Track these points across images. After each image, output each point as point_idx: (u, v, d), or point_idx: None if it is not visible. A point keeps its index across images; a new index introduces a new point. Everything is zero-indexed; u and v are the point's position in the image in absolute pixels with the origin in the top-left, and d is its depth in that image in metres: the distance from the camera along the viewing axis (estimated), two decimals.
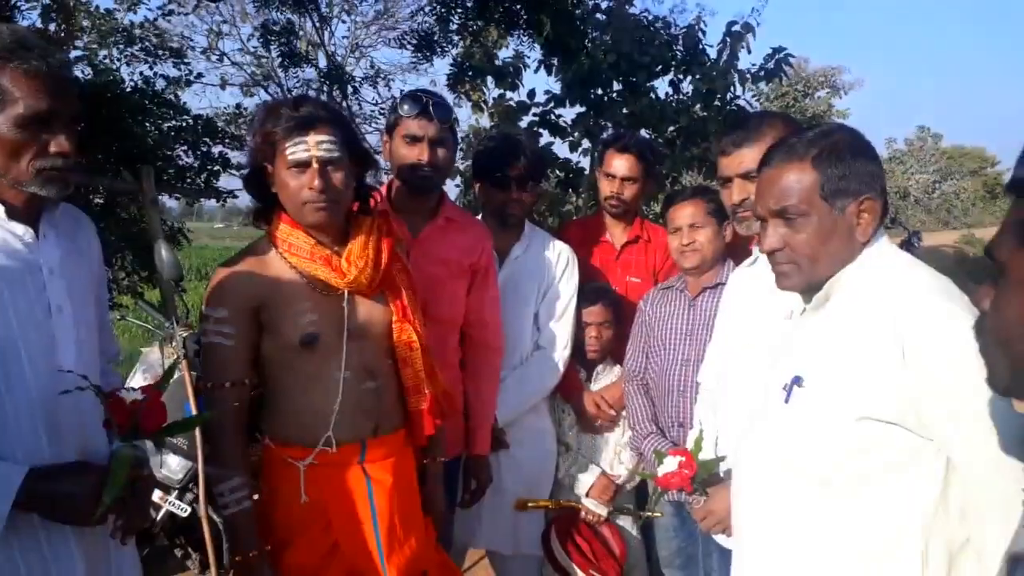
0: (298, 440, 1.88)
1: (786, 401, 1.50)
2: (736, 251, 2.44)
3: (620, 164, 2.82)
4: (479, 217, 2.76)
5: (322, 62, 6.06)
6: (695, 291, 2.50)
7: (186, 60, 7.17)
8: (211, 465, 1.84)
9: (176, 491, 2.97)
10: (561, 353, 2.68)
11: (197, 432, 1.79)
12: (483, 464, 2.53)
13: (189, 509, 2.96)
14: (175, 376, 2.33)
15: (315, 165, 1.80)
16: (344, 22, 9.93)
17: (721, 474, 1.97)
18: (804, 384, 1.48)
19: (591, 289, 2.75)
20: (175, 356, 2.97)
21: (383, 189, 2.51)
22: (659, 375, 2.51)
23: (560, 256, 2.73)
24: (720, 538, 2.02)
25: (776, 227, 1.51)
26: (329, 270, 1.86)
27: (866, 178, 1.46)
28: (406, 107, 2.30)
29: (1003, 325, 0.82)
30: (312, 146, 1.79)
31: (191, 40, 8.09)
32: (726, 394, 2.01)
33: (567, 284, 2.71)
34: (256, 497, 1.90)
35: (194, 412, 1.84)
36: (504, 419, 2.60)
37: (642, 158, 2.83)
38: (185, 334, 2.82)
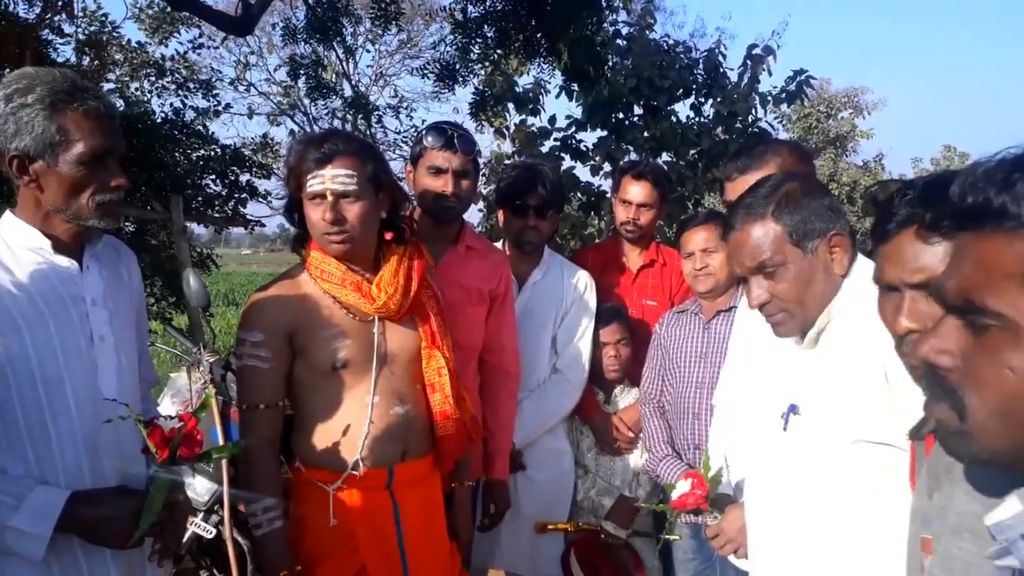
0: (327, 464, 1.92)
1: (784, 429, 1.55)
2: None
3: (636, 190, 2.88)
4: (501, 242, 2.83)
5: (347, 91, 6.21)
6: (709, 314, 2.53)
7: (215, 91, 7.37)
8: (244, 486, 1.89)
9: (202, 513, 3.03)
10: (579, 376, 2.73)
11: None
12: (502, 489, 2.56)
13: (214, 531, 3.02)
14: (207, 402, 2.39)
15: (329, 198, 1.86)
16: (369, 51, 10.15)
17: (732, 494, 2.00)
18: (800, 412, 1.54)
19: (605, 310, 2.81)
20: (202, 381, 3.05)
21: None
22: (674, 398, 2.55)
23: (578, 281, 2.79)
24: (738, 561, 2.05)
25: (758, 282, 1.57)
26: (359, 296, 1.91)
27: (826, 215, 1.54)
28: (431, 139, 2.35)
29: (1014, 385, 0.67)
30: (328, 179, 1.85)
31: (220, 72, 8.31)
32: (735, 416, 2.05)
33: (585, 308, 2.77)
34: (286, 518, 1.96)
35: (220, 436, 1.90)
36: (522, 441, 2.65)
37: (657, 184, 2.89)
38: (212, 359, 2.90)
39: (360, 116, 5.84)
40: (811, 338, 1.56)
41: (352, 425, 1.91)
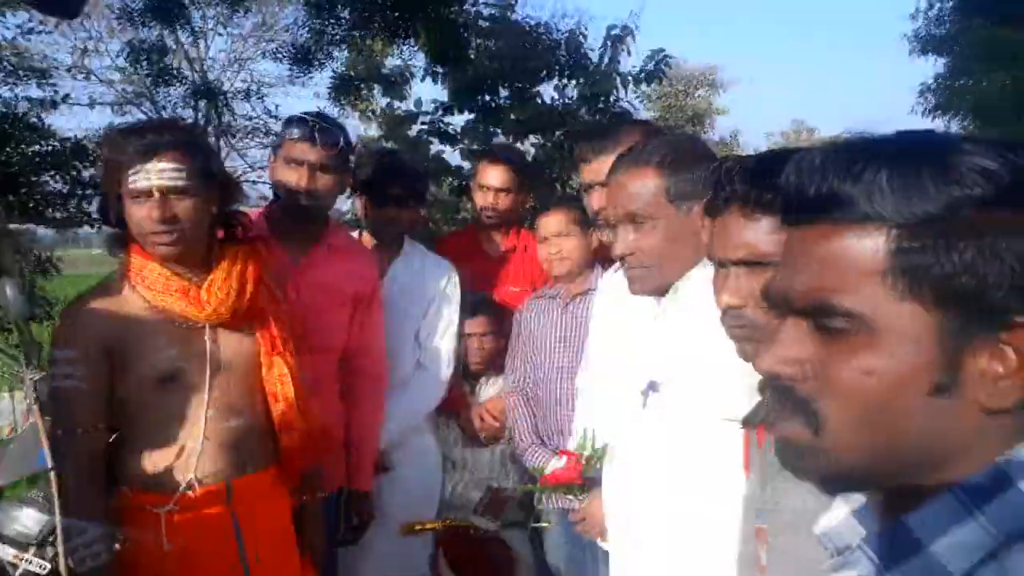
0: (158, 485, 1.79)
1: (643, 406, 1.53)
2: (606, 257, 2.47)
3: (493, 175, 2.83)
4: (358, 232, 2.72)
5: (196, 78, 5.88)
6: (567, 298, 2.52)
7: (51, 81, 6.80)
8: (65, 518, 1.73)
9: (34, 547, 2.77)
10: (445, 371, 2.65)
11: (53, 483, 1.68)
12: (365, 500, 2.46)
13: (48, 566, 2.76)
14: (29, 423, 2.18)
15: (156, 195, 1.71)
16: (222, 35, 9.65)
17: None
18: (660, 389, 1.50)
19: (472, 301, 2.74)
20: (27, 402, 2.78)
21: (260, 212, 2.43)
22: (538, 384, 2.52)
23: (441, 271, 2.70)
24: (605, 544, 2.04)
25: (626, 232, 1.54)
26: (187, 302, 1.78)
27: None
28: (290, 130, 2.25)
29: (875, 393, 0.61)
30: (153, 174, 1.70)
31: (55, 59, 7.68)
32: (597, 398, 2.03)
33: (449, 300, 2.68)
34: (117, 547, 1.80)
35: (49, 461, 1.73)
36: (386, 441, 2.55)
37: (514, 168, 2.84)
38: (37, 376, 2.64)
39: (208, 103, 5.52)
40: (667, 302, 1.53)
41: (184, 442, 1.78)
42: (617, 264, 2.12)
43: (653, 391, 1.52)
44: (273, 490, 1.93)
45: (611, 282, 2.15)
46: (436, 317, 2.66)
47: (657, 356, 1.55)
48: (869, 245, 0.61)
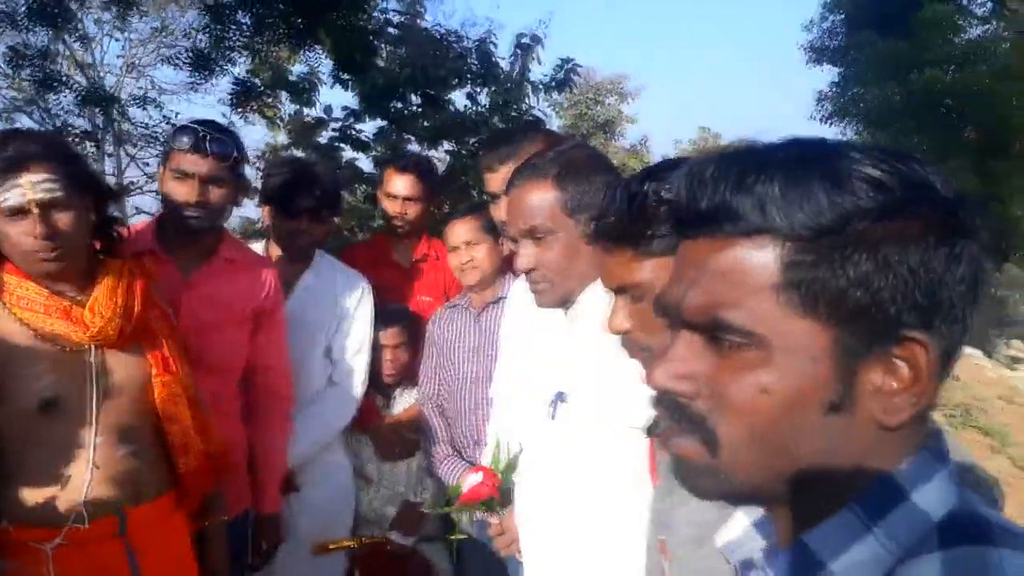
0: (42, 519, 1.65)
1: (552, 417, 1.51)
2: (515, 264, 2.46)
3: (400, 184, 2.77)
4: (265, 243, 2.61)
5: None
6: (479, 307, 2.49)
7: None
8: None
9: None
10: (357, 387, 2.56)
11: None
12: (273, 522, 2.35)
13: None
14: None
15: (35, 210, 1.59)
16: (118, 40, 9.22)
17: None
18: (567, 399, 1.49)
19: (385, 311, 2.67)
20: None
21: (145, 224, 2.30)
22: (451, 395, 2.49)
23: (353, 284, 2.59)
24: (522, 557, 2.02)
25: (527, 247, 1.52)
26: (68, 323, 1.66)
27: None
28: (178, 140, 2.09)
29: (768, 411, 0.60)
30: (27, 188, 1.58)
31: None
32: (508, 408, 2.01)
33: (362, 314, 2.58)
34: None
35: None
36: (296, 460, 2.46)
37: (422, 176, 2.79)
38: None
39: (98, 110, 5.23)
40: (571, 315, 1.52)
41: (71, 472, 1.67)
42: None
43: (561, 401, 1.51)
44: (171, 518, 1.83)
45: (518, 292, 2.14)
46: (348, 332, 2.56)
47: (564, 366, 1.54)
48: (762, 258, 0.60)
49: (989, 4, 12.53)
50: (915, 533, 0.58)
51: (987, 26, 12.53)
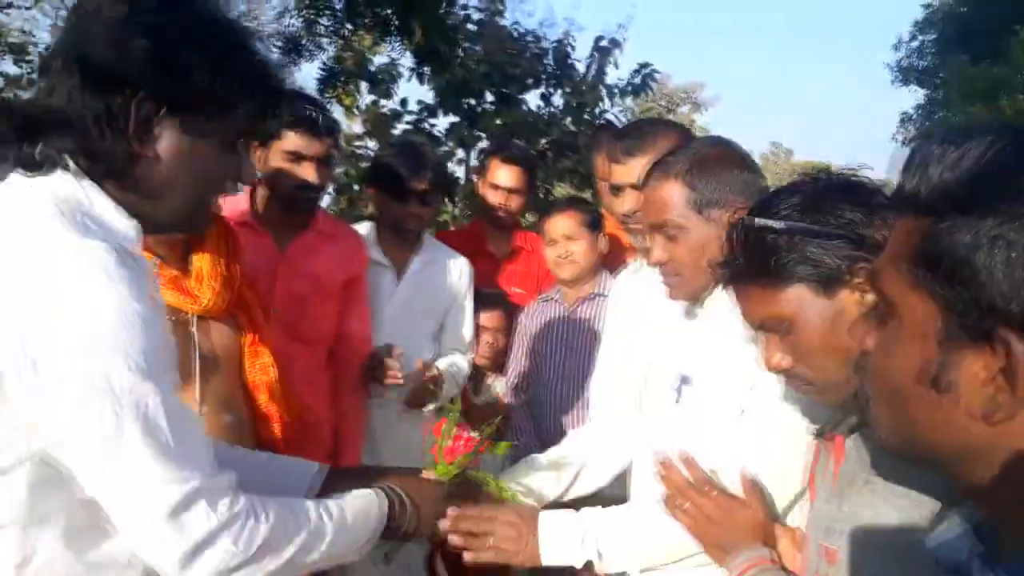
0: None
1: (676, 401, 1.53)
2: (612, 261, 2.45)
3: (506, 175, 2.75)
4: (372, 225, 2.62)
5: None
6: (572, 302, 2.50)
7: (28, 58, 6.59)
8: None
9: None
10: (465, 368, 2.55)
11: None
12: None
13: None
14: None
15: None
16: None
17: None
18: (692, 383, 1.51)
19: (486, 296, 2.66)
20: None
21: (238, 196, 2.33)
22: (539, 387, 2.49)
23: (462, 270, 2.60)
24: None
25: (659, 241, 1.54)
26: (178, 294, 1.67)
27: (738, 187, 1.51)
28: (290, 119, 2.05)
29: (892, 375, 0.66)
30: None
31: (32, 35, 7.46)
32: (623, 397, 1.98)
33: (469, 299, 2.60)
34: None
35: None
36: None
37: (527, 169, 2.79)
38: None
39: None
40: (698, 306, 1.56)
41: None
42: (634, 267, 2.09)
43: (687, 385, 1.53)
44: None
45: (624, 287, 2.12)
46: (459, 316, 2.57)
47: (689, 352, 1.56)
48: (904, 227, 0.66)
49: None
50: None
51: None
